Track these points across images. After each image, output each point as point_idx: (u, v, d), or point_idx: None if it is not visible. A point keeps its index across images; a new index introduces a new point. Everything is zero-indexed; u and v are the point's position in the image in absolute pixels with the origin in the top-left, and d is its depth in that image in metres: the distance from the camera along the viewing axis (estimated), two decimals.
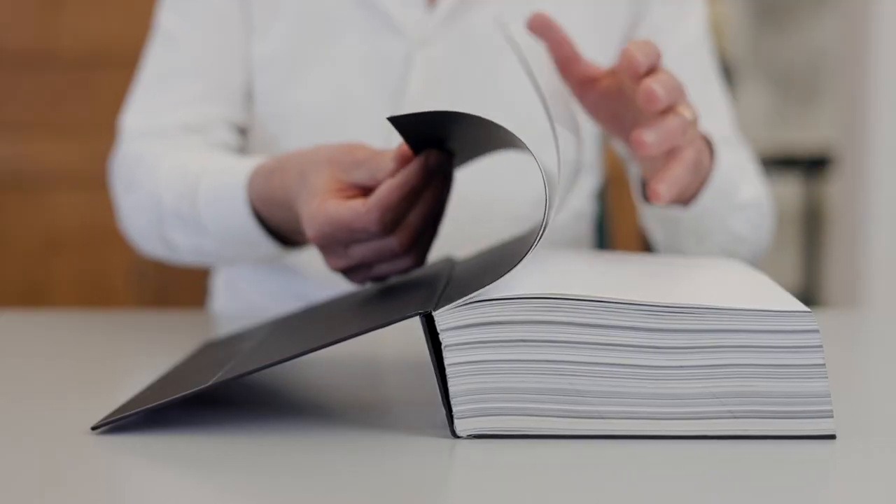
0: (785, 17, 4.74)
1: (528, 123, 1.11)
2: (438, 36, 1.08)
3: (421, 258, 0.75)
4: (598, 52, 1.12)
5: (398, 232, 0.72)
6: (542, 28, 0.81)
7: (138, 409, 0.61)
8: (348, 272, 0.76)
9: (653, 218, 0.99)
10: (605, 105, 0.86)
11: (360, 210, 0.71)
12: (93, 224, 1.96)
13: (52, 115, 1.98)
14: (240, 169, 0.92)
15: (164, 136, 1.07)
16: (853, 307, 2.86)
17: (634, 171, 1.14)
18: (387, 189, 0.71)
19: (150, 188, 1.02)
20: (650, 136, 0.74)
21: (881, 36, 2.76)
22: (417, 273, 0.77)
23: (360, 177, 0.74)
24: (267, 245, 0.93)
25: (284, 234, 0.92)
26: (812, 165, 4.21)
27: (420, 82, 1.08)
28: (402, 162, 0.72)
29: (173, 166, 1.01)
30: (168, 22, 1.11)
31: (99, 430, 0.60)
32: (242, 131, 1.13)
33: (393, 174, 0.72)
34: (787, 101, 4.75)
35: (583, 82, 0.85)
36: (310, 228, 0.75)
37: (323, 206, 0.73)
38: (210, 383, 0.60)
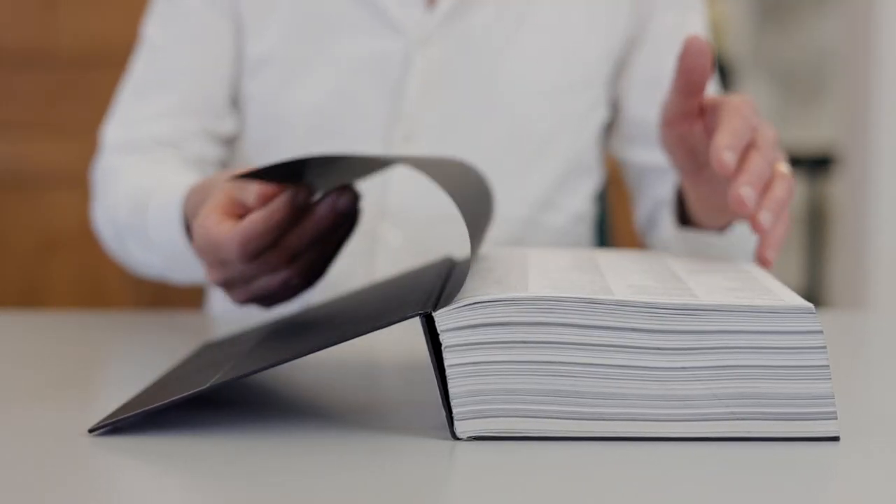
0: (787, 15, 4.74)
1: (528, 124, 1.11)
2: (438, 36, 1.08)
3: (304, 274, 0.76)
4: (599, 54, 1.12)
5: (268, 255, 0.74)
6: (697, 50, 0.78)
7: (136, 412, 0.60)
8: (227, 287, 0.78)
9: (681, 242, 0.97)
10: (687, 142, 0.83)
11: (225, 235, 0.73)
12: (89, 224, 1.96)
13: (50, 114, 1.98)
14: (183, 186, 0.93)
15: (140, 149, 1.09)
16: (857, 308, 2.86)
17: (661, 193, 1.13)
18: (249, 222, 0.72)
19: (113, 200, 1.04)
20: (764, 216, 0.72)
21: (884, 35, 2.76)
22: (417, 273, 0.77)
23: (241, 196, 0.76)
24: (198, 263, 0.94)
25: None
26: (815, 165, 4.20)
27: (419, 82, 1.08)
28: (263, 199, 0.73)
29: (133, 179, 1.03)
30: (152, 33, 1.12)
31: (96, 432, 0.60)
32: (228, 142, 1.13)
33: (257, 205, 0.74)
34: (789, 100, 4.74)
35: (684, 115, 0.81)
36: (194, 239, 0.77)
37: (204, 221, 0.75)
38: (208, 385, 0.60)
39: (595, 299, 0.57)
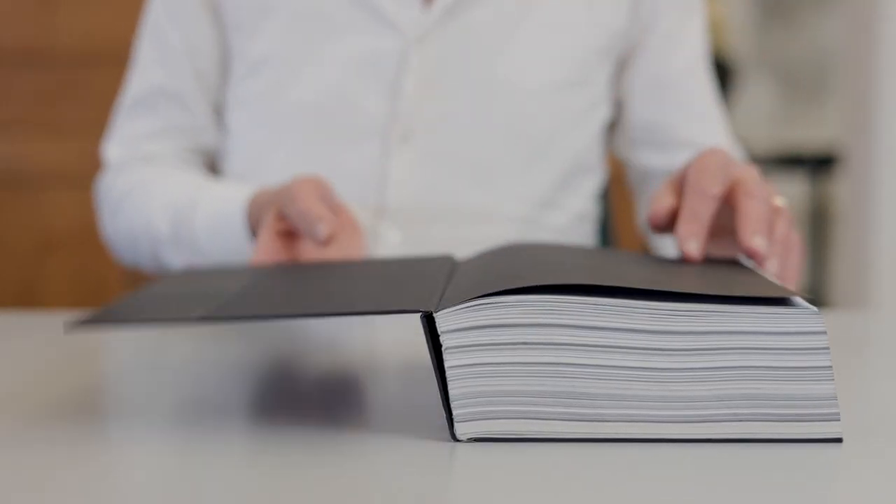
0: (790, 14, 4.73)
1: (527, 123, 1.11)
2: (435, 34, 1.07)
3: None
4: (599, 52, 1.12)
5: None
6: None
7: (120, 321, 0.59)
8: None
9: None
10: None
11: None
12: (88, 224, 1.95)
13: (47, 113, 1.98)
14: (233, 198, 1.02)
15: (141, 164, 1.15)
16: (860, 307, 2.85)
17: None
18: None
19: (144, 217, 1.09)
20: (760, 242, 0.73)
21: (888, 34, 2.75)
22: (419, 265, 0.76)
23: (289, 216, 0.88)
24: None
25: None
26: (818, 164, 4.20)
27: (416, 81, 1.07)
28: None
29: (165, 194, 1.09)
30: (142, 52, 1.16)
31: (73, 330, 0.58)
32: (211, 156, 1.18)
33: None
34: (792, 99, 4.74)
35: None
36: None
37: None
38: (197, 317, 0.58)
39: (598, 301, 0.57)
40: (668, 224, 0.80)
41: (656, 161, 1.13)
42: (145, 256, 1.11)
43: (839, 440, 0.57)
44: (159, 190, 1.10)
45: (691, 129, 1.14)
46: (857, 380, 0.77)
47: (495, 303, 0.57)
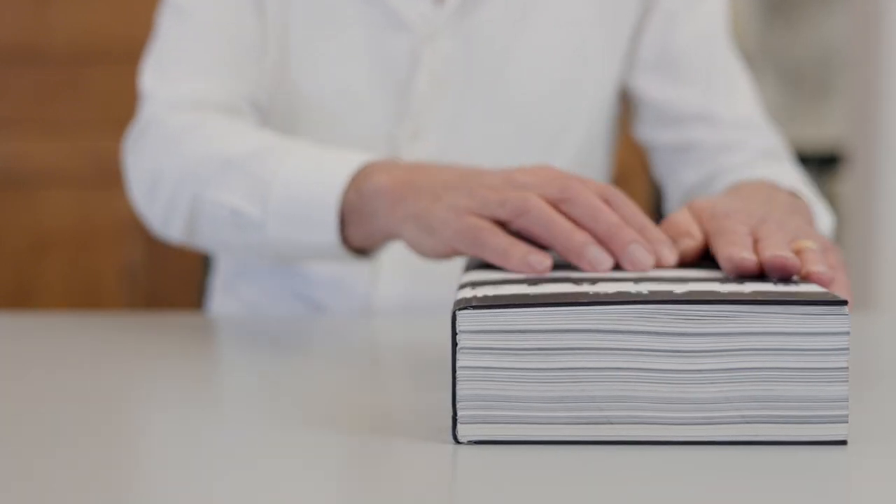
0: (794, 12, 4.73)
1: (537, 123, 1.10)
2: (446, 32, 1.07)
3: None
4: (607, 48, 1.11)
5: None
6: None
7: (519, 305, 0.57)
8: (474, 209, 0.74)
9: None
10: None
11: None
12: (83, 223, 1.95)
13: (42, 111, 1.97)
14: (350, 157, 0.88)
15: (197, 109, 1.02)
16: (865, 308, 2.85)
17: (688, 179, 1.12)
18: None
19: (218, 142, 0.96)
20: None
21: (893, 32, 2.74)
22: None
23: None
24: (339, 252, 0.89)
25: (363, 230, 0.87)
26: (823, 163, 4.19)
27: (427, 79, 1.06)
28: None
29: (261, 132, 0.98)
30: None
31: (466, 310, 0.56)
32: (262, 109, 1.07)
33: None
34: (797, 97, 4.73)
35: None
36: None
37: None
38: (628, 301, 0.56)
39: (622, 306, 0.56)
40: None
41: (678, 137, 1.12)
42: (185, 197, 0.96)
43: (844, 442, 0.57)
44: (252, 129, 0.98)
45: (705, 101, 1.13)
46: (861, 381, 0.76)
47: (517, 307, 0.57)
